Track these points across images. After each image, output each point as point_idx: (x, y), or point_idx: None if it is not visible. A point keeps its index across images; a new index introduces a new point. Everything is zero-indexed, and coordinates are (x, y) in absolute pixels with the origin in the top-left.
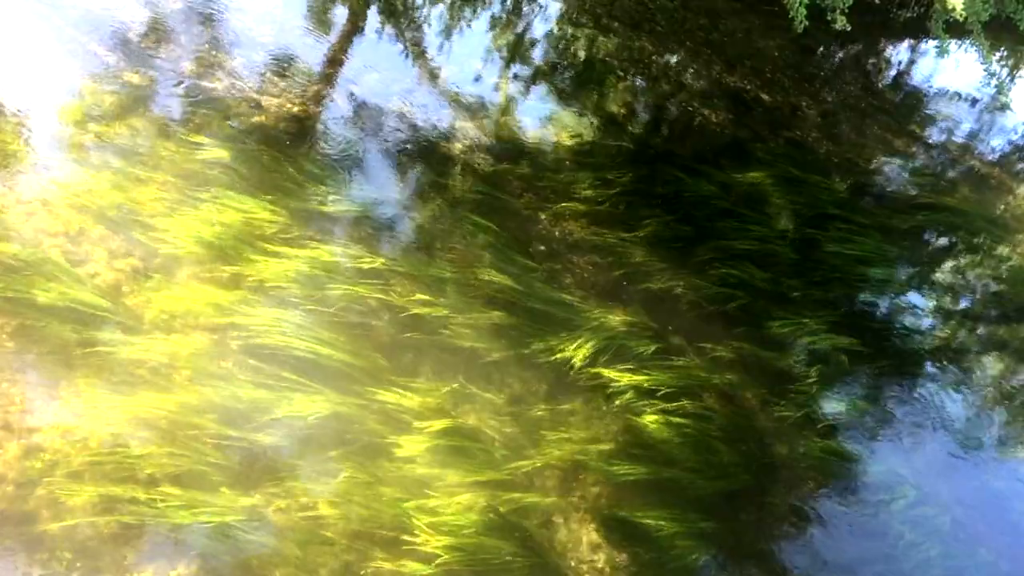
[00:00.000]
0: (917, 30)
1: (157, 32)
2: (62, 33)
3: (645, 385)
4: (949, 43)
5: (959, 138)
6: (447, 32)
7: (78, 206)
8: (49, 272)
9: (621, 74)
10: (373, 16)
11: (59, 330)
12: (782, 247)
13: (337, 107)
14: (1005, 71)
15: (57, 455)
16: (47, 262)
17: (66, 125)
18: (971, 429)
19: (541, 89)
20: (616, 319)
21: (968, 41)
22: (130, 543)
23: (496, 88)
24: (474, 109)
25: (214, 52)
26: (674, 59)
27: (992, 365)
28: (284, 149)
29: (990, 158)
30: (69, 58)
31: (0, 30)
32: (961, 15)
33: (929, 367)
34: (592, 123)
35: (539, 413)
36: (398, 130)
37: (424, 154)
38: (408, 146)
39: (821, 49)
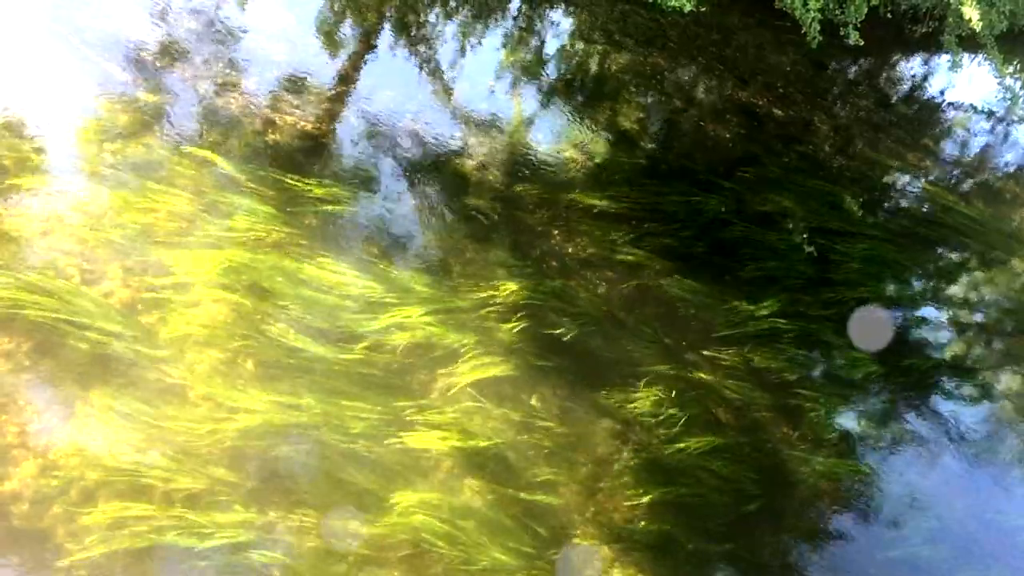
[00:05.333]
0: (931, 44)
1: (172, 51)
2: (79, 52)
3: (658, 401)
4: (962, 57)
5: (973, 151)
6: (459, 50)
7: (94, 224)
8: (64, 290)
9: (634, 90)
10: (386, 35)
11: (75, 348)
12: (795, 261)
13: (350, 125)
14: (1019, 84)
15: (72, 474)
16: (62, 280)
17: (82, 143)
18: (987, 445)
19: (554, 105)
20: (629, 335)
21: (982, 55)
22: (145, 563)
23: (508, 105)
24: (486, 126)
25: (228, 71)
26: (687, 75)
27: (1008, 380)
28: (298, 167)
29: (1005, 171)
30: (85, 77)
31: (19, 50)
32: (976, 26)
33: (944, 382)
34: (605, 139)
35: (550, 429)
36: (411, 148)
37: (436, 171)
38: (421, 164)
39: (834, 64)
